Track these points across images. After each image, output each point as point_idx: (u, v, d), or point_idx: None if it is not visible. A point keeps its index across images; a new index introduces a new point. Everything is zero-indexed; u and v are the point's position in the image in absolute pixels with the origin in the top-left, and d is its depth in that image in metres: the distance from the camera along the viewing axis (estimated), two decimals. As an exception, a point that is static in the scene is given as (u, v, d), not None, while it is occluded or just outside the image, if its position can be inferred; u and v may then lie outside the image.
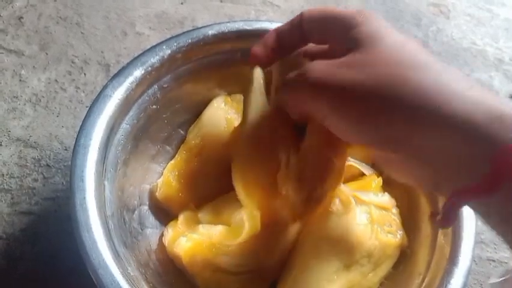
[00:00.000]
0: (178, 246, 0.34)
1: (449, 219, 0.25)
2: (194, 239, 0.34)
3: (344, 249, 0.34)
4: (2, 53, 0.51)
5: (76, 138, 0.32)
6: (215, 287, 0.33)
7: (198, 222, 0.35)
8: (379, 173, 0.39)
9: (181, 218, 0.36)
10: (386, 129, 0.25)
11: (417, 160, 0.25)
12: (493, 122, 0.22)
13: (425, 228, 0.36)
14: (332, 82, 0.26)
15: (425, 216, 0.37)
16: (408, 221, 0.37)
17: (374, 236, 0.34)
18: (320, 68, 0.27)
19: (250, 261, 0.33)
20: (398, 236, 0.36)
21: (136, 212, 0.35)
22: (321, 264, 0.34)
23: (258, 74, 0.32)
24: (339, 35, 0.28)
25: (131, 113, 0.36)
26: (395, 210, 0.37)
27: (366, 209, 0.35)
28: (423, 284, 0.33)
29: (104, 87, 0.35)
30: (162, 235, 0.36)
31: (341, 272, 0.34)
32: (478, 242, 0.45)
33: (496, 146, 0.21)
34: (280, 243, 0.34)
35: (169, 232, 0.35)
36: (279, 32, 0.32)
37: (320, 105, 0.27)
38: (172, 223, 0.36)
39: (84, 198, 0.30)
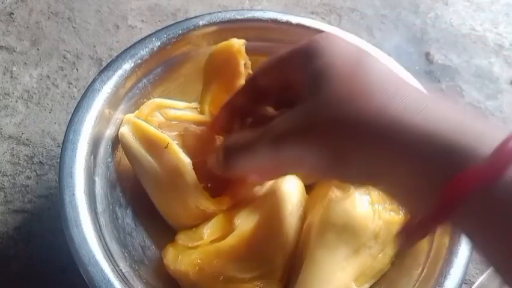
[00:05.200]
0: (182, 262, 0.32)
1: (410, 241, 0.25)
2: (199, 251, 0.33)
3: (350, 235, 0.33)
4: (-7, 49, 0.50)
5: (65, 134, 0.31)
6: None
7: (199, 238, 0.34)
8: None
9: (180, 236, 0.35)
10: (353, 167, 0.25)
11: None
12: (442, 155, 0.21)
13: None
14: (295, 134, 0.26)
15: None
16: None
17: (377, 216, 0.34)
18: (281, 122, 0.26)
19: (260, 262, 0.32)
20: (401, 212, 0.35)
21: (129, 207, 0.35)
22: (329, 253, 0.33)
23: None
24: (297, 74, 0.27)
25: (121, 107, 0.35)
26: None
27: (365, 191, 0.34)
28: (423, 275, 0.33)
29: (93, 81, 0.34)
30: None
31: (351, 258, 0.33)
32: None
33: (444, 179, 0.21)
34: (283, 236, 0.33)
35: (170, 252, 0.34)
36: (231, 104, 0.32)
37: (289, 159, 0.27)
38: (170, 244, 0.35)
39: (73, 194, 0.29)
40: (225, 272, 0.32)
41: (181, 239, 0.34)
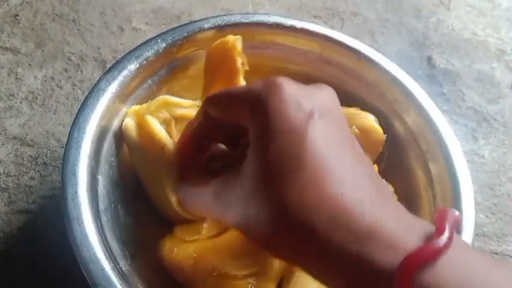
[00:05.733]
0: (178, 255, 0.33)
1: None
2: (195, 245, 0.33)
3: None
4: (-2, 51, 0.50)
5: (69, 133, 0.32)
6: None
7: (197, 232, 0.34)
8: (375, 161, 0.39)
9: (178, 229, 0.35)
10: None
11: None
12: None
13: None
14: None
15: (426, 208, 0.36)
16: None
17: None
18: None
19: (255, 260, 0.32)
20: None
21: (130, 206, 0.35)
22: None
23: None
24: (244, 121, 0.27)
25: (126, 107, 0.36)
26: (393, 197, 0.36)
27: None
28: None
29: (98, 81, 0.34)
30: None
31: None
32: (481, 235, 0.45)
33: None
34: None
35: (166, 244, 0.34)
36: (193, 131, 0.32)
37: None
38: (168, 236, 0.35)
39: (76, 192, 0.29)
40: (219, 268, 0.32)
41: (179, 232, 0.34)
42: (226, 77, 0.37)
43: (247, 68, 0.37)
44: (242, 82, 0.37)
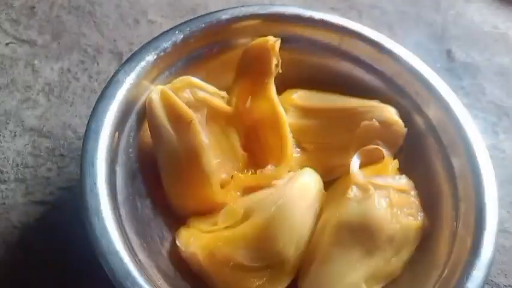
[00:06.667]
0: (194, 245, 0.33)
1: None
2: (211, 236, 0.33)
3: (365, 236, 0.33)
4: (15, 43, 0.50)
5: (87, 124, 0.32)
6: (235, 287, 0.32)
7: (213, 223, 0.34)
8: (395, 155, 0.39)
9: (194, 220, 0.35)
10: None
11: None
12: None
13: (446, 217, 0.35)
14: None
15: (447, 203, 0.36)
16: (429, 210, 0.36)
17: (394, 220, 0.33)
18: None
19: (270, 253, 0.32)
20: (419, 218, 0.35)
21: (148, 198, 0.35)
22: (343, 253, 0.33)
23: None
24: None
25: (143, 98, 0.35)
26: (413, 192, 0.36)
27: (384, 193, 0.34)
28: (443, 275, 0.32)
29: (116, 72, 0.34)
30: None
31: (364, 259, 0.33)
32: (502, 230, 0.44)
33: None
34: (297, 230, 0.33)
35: (183, 234, 0.34)
36: None
37: None
38: (184, 226, 0.35)
39: (95, 183, 0.29)
40: (234, 259, 0.32)
41: (195, 222, 0.34)
42: (258, 75, 0.38)
43: (280, 70, 0.38)
44: (272, 84, 0.38)
